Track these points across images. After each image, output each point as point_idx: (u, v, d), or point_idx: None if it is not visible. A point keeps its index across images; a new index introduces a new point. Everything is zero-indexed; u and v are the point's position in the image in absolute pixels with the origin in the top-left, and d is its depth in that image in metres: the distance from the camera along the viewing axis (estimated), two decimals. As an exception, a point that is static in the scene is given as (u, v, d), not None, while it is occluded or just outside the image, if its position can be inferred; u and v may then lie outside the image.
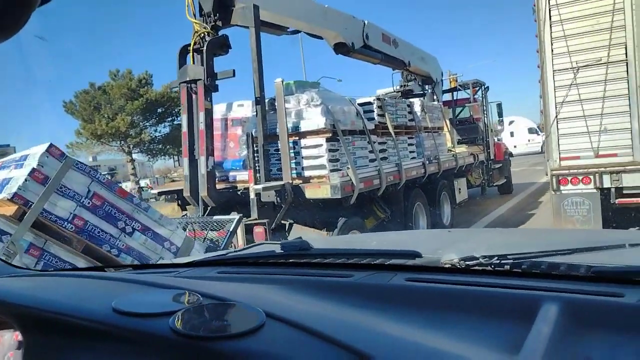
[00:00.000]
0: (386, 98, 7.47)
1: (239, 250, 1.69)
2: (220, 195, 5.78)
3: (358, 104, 7.04)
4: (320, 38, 7.68)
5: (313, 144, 5.93)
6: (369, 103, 7.15)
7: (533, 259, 1.04)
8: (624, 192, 5.74)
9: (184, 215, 6.15)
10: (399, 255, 1.15)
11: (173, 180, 8.35)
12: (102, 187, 3.57)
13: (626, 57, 5.52)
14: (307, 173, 6.02)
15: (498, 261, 1.02)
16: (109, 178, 3.75)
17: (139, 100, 28.09)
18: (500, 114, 13.41)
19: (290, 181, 5.72)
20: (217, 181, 6.49)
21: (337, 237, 5.09)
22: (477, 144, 11.57)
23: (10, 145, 17.34)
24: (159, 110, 29.95)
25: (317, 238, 4.76)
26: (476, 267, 1.02)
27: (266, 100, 6.10)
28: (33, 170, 3.29)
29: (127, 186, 25.85)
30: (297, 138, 6.06)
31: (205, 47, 5.52)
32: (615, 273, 0.93)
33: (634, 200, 5.68)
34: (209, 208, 5.71)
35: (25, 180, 3.25)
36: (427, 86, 11.77)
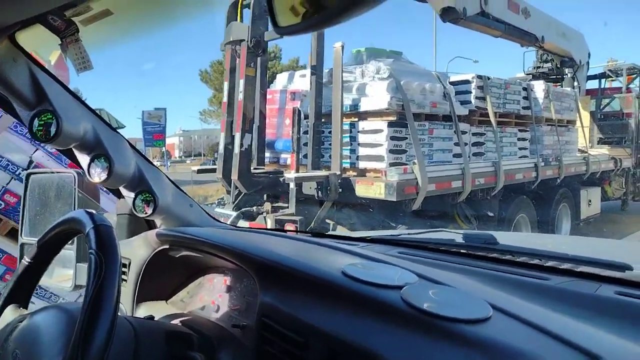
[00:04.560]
0: (491, 77, 5.84)
1: (413, 233, 1.66)
2: (255, 181, 4.87)
3: (451, 82, 5.59)
4: (424, 1, 6.27)
5: (372, 128, 4.70)
6: (466, 82, 5.64)
7: None
8: None
9: (219, 199, 5.41)
10: (604, 265, 1.05)
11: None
12: (50, 158, 2.87)
13: None
14: (362, 164, 4.83)
15: None
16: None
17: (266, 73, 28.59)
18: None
19: (339, 172, 4.60)
20: (267, 163, 5.65)
21: (515, 234, 4.52)
22: (623, 146, 9.11)
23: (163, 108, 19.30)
24: (283, 83, 30.30)
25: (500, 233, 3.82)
26: None
27: (326, 71, 5.02)
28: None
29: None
30: (355, 119, 4.88)
31: (252, 1, 4.58)
32: None
33: None
34: (242, 194, 4.86)
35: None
36: (567, 69, 9.51)
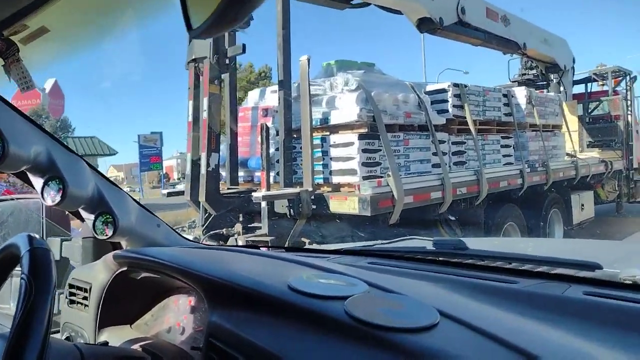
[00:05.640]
0: (468, 85, 5.69)
1: (386, 242, 1.63)
2: (225, 202, 4.68)
3: (427, 92, 5.44)
4: (399, 12, 6.13)
5: (343, 141, 4.53)
6: (442, 91, 5.49)
7: None
8: None
9: (190, 222, 5.21)
10: (575, 266, 1.04)
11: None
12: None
13: None
14: (335, 179, 4.64)
15: None
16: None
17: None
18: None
19: (311, 189, 4.41)
20: (241, 182, 5.47)
21: (489, 239, 4.40)
22: (614, 148, 8.94)
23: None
24: (274, 103, 30.31)
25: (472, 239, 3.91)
26: None
27: (295, 85, 4.86)
28: None
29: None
30: (327, 133, 4.71)
31: (213, 17, 4.45)
32: None
33: None
34: (212, 216, 4.66)
35: None
36: (552, 75, 9.41)
